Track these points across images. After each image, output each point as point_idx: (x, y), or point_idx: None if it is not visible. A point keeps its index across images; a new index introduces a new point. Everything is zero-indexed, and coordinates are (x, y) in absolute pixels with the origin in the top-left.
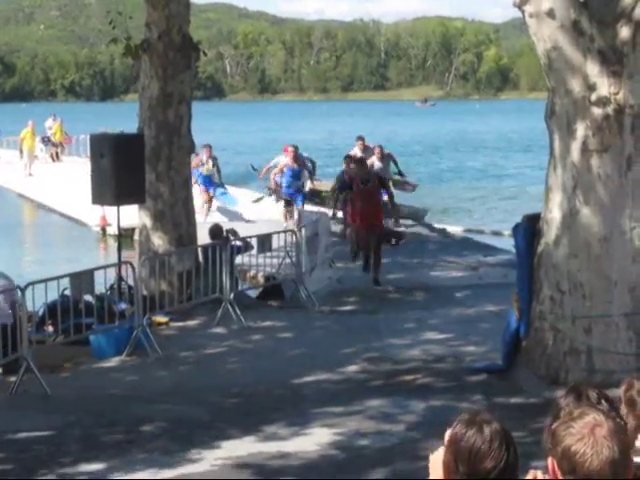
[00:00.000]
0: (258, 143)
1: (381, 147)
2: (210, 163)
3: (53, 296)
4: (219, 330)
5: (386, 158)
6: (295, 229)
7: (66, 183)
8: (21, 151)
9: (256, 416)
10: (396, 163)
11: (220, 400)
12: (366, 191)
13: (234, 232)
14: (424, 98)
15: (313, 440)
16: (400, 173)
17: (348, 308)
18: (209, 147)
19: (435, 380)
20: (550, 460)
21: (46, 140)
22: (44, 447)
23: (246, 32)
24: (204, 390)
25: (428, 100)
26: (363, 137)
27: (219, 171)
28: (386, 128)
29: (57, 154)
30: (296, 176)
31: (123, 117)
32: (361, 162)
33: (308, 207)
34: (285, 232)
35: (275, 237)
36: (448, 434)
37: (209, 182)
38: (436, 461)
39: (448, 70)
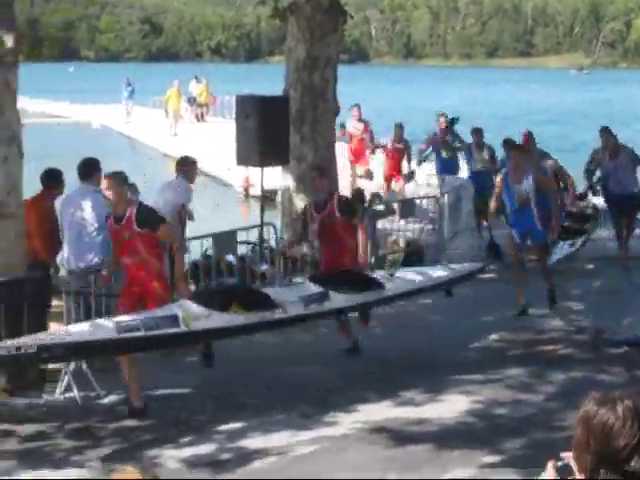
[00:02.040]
0: (403, 109)
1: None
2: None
3: (196, 255)
4: None
5: None
6: (438, 195)
7: (210, 143)
8: (166, 111)
9: (394, 381)
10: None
11: (359, 364)
12: (321, 222)
13: (378, 196)
14: (580, 66)
15: (450, 407)
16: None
17: (489, 276)
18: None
19: (575, 351)
20: None
21: (192, 100)
22: (183, 404)
23: None
24: (343, 354)
25: (583, 68)
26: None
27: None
28: (539, 97)
29: (202, 114)
30: None
31: (268, 79)
32: (320, 171)
33: None
34: (428, 198)
35: (417, 202)
36: (580, 412)
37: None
38: None
39: (596, 38)
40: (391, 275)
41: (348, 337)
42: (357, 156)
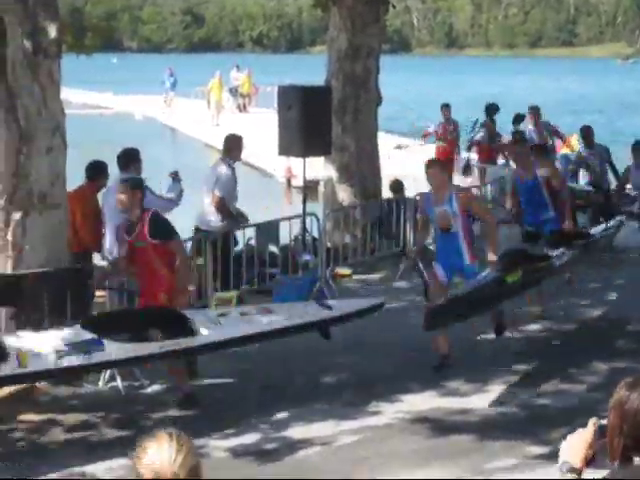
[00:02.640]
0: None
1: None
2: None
3: (239, 245)
4: (401, 284)
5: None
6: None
7: (253, 134)
8: (209, 102)
9: (436, 371)
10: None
11: (401, 354)
12: (130, 246)
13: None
14: (625, 55)
15: (493, 397)
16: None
17: None
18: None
19: (618, 341)
20: None
21: (234, 91)
22: (227, 394)
23: None
24: (385, 344)
25: (629, 58)
26: None
27: None
28: (591, 87)
29: (244, 105)
30: None
31: (310, 69)
32: (132, 183)
33: None
34: (471, 188)
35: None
36: (613, 398)
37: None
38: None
39: (638, 28)
40: (221, 315)
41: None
42: (445, 158)
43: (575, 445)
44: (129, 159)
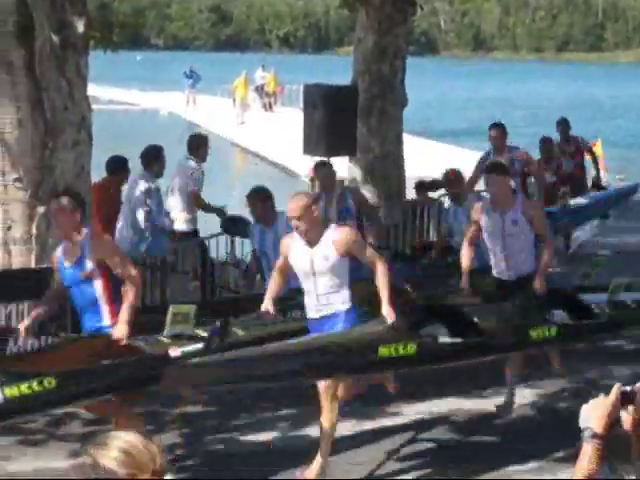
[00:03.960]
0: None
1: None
2: None
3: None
4: None
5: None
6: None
7: (278, 133)
8: (234, 100)
9: (456, 374)
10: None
11: None
12: None
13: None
14: None
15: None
16: None
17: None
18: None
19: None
20: None
21: (260, 90)
22: (246, 391)
23: None
24: None
25: None
26: None
27: None
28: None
29: (270, 104)
30: None
31: (337, 69)
32: None
33: None
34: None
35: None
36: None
37: None
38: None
39: None
40: None
41: None
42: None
43: (598, 411)
44: (151, 157)
